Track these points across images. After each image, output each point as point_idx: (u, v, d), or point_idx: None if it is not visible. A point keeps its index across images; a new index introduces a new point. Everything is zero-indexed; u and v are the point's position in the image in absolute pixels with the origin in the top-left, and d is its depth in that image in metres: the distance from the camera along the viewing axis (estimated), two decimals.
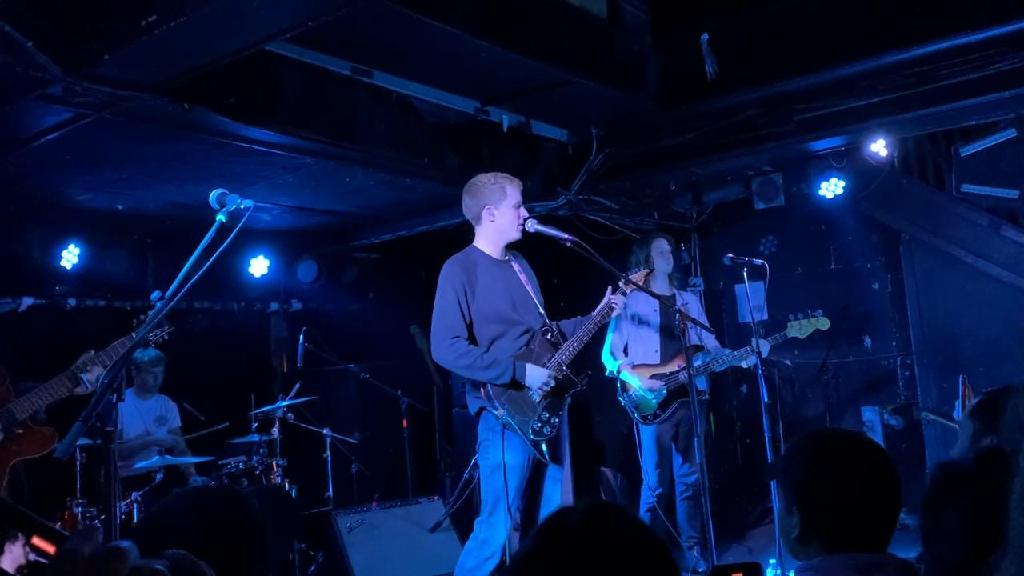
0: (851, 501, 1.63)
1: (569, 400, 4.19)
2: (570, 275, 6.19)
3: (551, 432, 4.04)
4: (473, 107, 5.23)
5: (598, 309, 4.25)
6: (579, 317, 4.37)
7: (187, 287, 2.47)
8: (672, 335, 5.49)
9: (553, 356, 4.11)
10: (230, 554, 1.55)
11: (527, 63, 4.63)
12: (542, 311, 4.22)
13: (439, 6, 3.99)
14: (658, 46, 5.43)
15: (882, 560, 1.56)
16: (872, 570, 1.56)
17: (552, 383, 4.01)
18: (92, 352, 4.12)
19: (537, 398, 3.99)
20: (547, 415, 4.02)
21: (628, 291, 4.33)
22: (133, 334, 4.11)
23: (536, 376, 3.98)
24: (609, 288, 4.31)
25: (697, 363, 5.26)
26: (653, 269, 5.36)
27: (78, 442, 4.46)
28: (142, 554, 0.96)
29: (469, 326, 4.03)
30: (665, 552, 1.13)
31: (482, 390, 3.97)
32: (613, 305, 4.23)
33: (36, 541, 0.96)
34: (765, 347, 5.07)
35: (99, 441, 3.71)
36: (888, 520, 1.61)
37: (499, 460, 3.91)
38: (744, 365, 5.36)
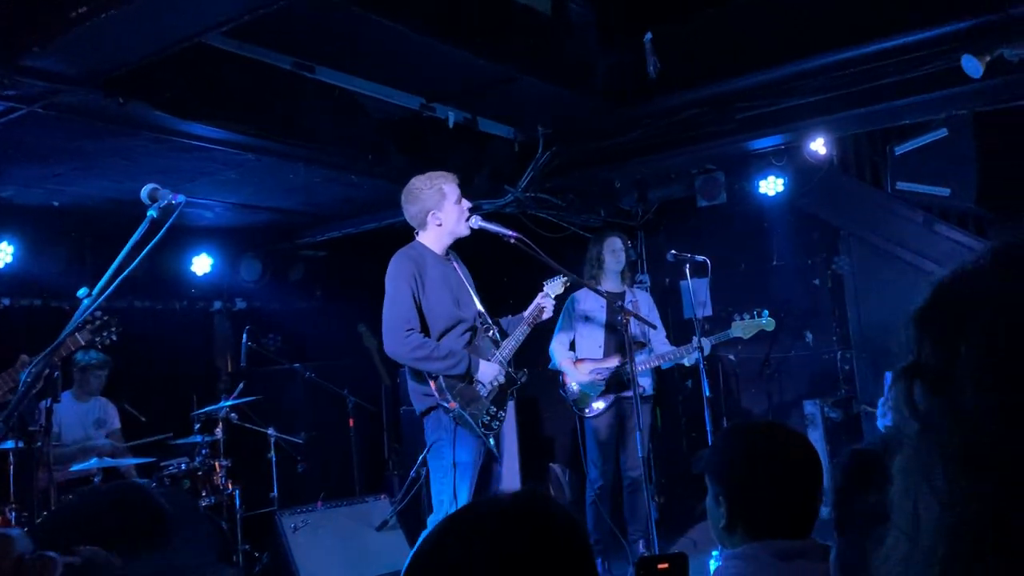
0: (773, 490, 1.67)
1: (512, 396, 4.22)
2: (518, 272, 6.20)
3: (499, 426, 4.09)
4: (418, 103, 5.21)
5: (528, 311, 4.34)
6: (513, 316, 4.45)
7: (115, 285, 2.41)
8: (616, 331, 5.55)
9: (495, 353, 4.14)
10: (137, 544, 1.53)
11: (472, 60, 4.62)
12: (481, 309, 4.25)
13: (383, 1, 3.97)
14: (603, 46, 5.48)
15: (804, 546, 1.60)
16: (794, 555, 1.60)
17: (502, 378, 4.06)
18: (25, 357, 4.01)
19: (484, 392, 4.02)
20: (494, 409, 4.07)
21: (555, 292, 4.40)
22: (76, 334, 4.02)
23: (488, 371, 4.03)
24: (540, 293, 4.39)
25: (639, 359, 5.32)
26: (600, 271, 5.46)
27: (6, 444, 4.37)
28: (51, 549, 0.94)
29: (421, 320, 4.02)
30: (579, 539, 1.12)
31: (433, 383, 3.95)
32: (543, 306, 4.31)
33: None
34: (707, 345, 5.16)
35: (21, 443, 3.61)
36: (810, 508, 1.65)
37: (451, 459, 3.90)
38: (686, 363, 5.43)
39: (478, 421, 3.97)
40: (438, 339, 4.03)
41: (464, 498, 3.92)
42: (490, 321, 4.27)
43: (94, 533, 1.37)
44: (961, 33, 4.42)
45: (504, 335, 4.31)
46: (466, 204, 4.18)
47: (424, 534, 3.86)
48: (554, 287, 4.46)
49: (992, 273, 0.68)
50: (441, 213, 4.12)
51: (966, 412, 0.64)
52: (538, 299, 4.37)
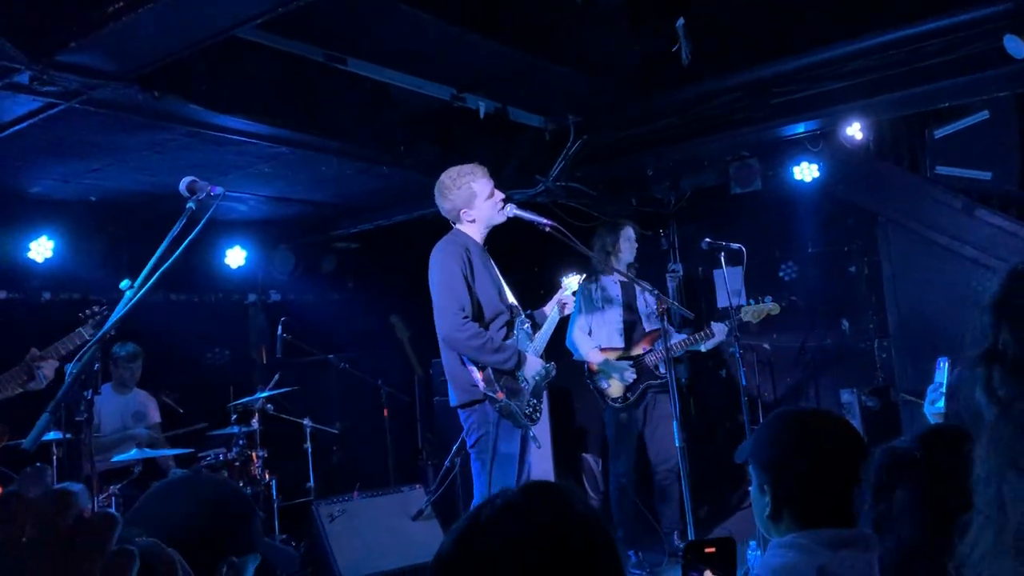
0: (819, 477, 1.64)
1: (545, 387, 4.24)
2: (550, 262, 6.18)
3: (539, 416, 4.12)
4: (449, 94, 5.19)
5: (550, 306, 4.36)
6: (536, 311, 4.47)
7: (155, 277, 2.44)
8: (634, 319, 5.54)
9: (531, 346, 4.15)
10: (210, 539, 1.55)
11: (502, 49, 4.61)
12: (514, 301, 4.25)
13: None
14: (634, 32, 5.42)
15: (853, 535, 1.57)
16: (843, 544, 1.58)
17: (543, 375, 4.06)
18: (35, 351, 4.07)
19: (525, 386, 4.03)
20: (535, 400, 4.09)
21: (572, 289, 4.42)
22: (80, 329, 4.08)
23: (533, 366, 4.06)
24: (560, 290, 4.43)
25: (660, 348, 5.30)
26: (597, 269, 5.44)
27: (51, 435, 4.44)
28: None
29: (472, 306, 4.02)
30: (602, 530, 1.12)
31: (481, 374, 3.92)
32: (564, 302, 4.34)
33: None
34: (721, 330, 5.14)
35: (69, 435, 3.67)
36: (856, 495, 1.62)
37: (500, 451, 3.90)
38: (702, 348, 5.41)
39: (522, 412, 3.98)
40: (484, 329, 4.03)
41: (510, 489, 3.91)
42: (523, 314, 4.27)
43: (162, 527, 1.42)
44: (1004, 13, 4.31)
45: (536, 328, 4.31)
46: (499, 196, 4.18)
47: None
48: (571, 282, 4.47)
49: None
50: (473, 211, 4.14)
51: None
52: (558, 295, 4.41)
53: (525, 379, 4.03)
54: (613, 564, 1.10)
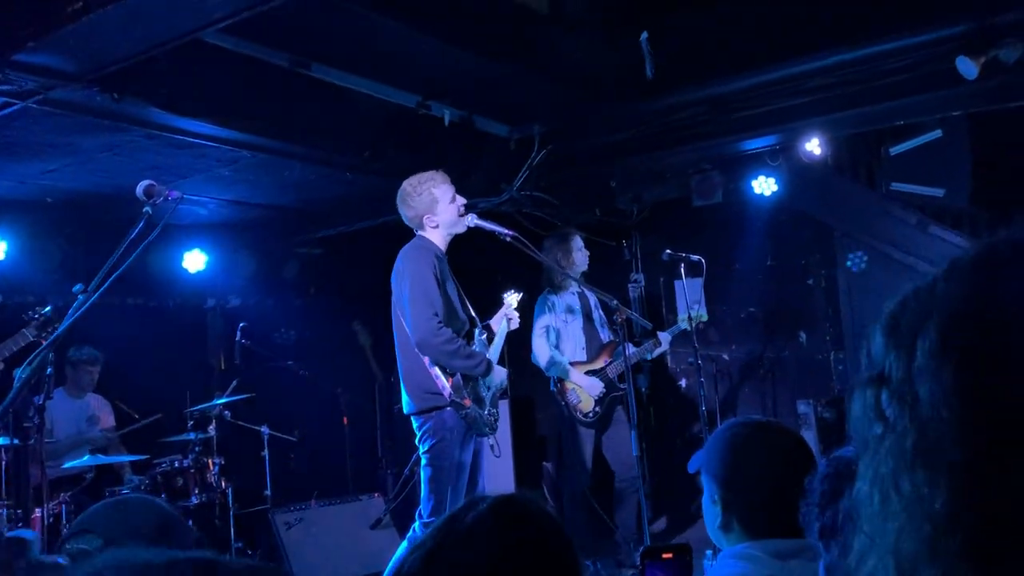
0: (768, 487, 1.67)
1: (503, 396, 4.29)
2: (512, 271, 6.19)
3: (497, 426, 4.15)
4: (415, 101, 5.20)
5: (497, 320, 4.41)
6: (486, 322, 4.47)
7: (109, 281, 2.40)
8: (594, 330, 5.59)
9: (487, 354, 4.17)
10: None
11: (468, 57, 4.62)
12: (472, 312, 4.27)
13: None
14: (600, 44, 5.47)
15: (801, 546, 1.60)
16: (792, 555, 1.60)
17: (506, 382, 4.09)
18: None
19: (486, 394, 4.05)
20: (494, 410, 4.12)
21: (515, 304, 4.47)
22: (24, 330, 4.00)
23: (498, 374, 4.10)
24: (504, 306, 4.46)
25: (619, 359, 5.34)
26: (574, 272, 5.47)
27: (1, 441, 4.35)
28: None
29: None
30: (564, 541, 1.13)
31: (450, 380, 3.92)
32: (510, 317, 4.39)
33: None
34: (665, 339, 5.23)
35: (16, 440, 3.60)
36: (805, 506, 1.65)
37: (455, 459, 3.91)
38: (648, 357, 5.50)
39: (484, 420, 4.00)
40: None
41: (460, 497, 3.91)
42: (480, 326, 4.28)
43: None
44: (957, 35, 4.43)
45: (491, 338, 4.34)
46: (460, 201, 4.19)
47: (410, 538, 3.84)
48: (512, 299, 4.52)
49: (944, 279, 0.70)
50: (436, 216, 4.14)
51: (923, 415, 0.65)
52: (503, 311, 4.43)
53: (487, 387, 4.04)
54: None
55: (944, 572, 0.63)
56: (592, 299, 5.57)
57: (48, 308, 4.13)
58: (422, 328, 3.88)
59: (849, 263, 6.43)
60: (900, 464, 0.66)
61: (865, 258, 6.36)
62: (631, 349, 5.42)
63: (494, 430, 4.10)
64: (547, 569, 1.10)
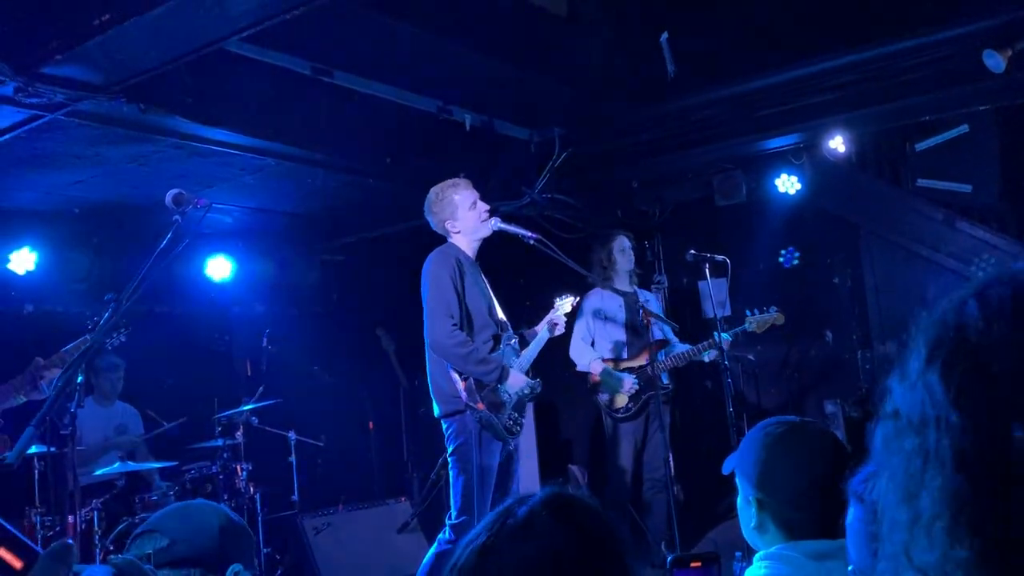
0: (804, 488, 1.65)
1: (530, 402, 4.28)
2: (537, 274, 6.19)
3: (520, 430, 4.17)
4: (435, 106, 5.21)
5: (541, 326, 4.37)
6: (528, 329, 4.51)
7: (139, 288, 2.43)
8: (636, 331, 5.54)
9: (515, 362, 4.18)
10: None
11: (488, 62, 4.64)
12: (503, 317, 4.28)
13: (399, 5, 3.98)
14: (620, 46, 5.46)
15: (837, 547, 1.58)
16: (828, 556, 1.59)
17: (527, 391, 4.08)
18: (39, 359, 4.05)
19: (507, 400, 4.04)
20: (516, 414, 4.13)
21: (564, 311, 4.44)
22: (87, 335, 4.04)
23: (516, 381, 4.09)
24: (551, 311, 4.43)
25: (662, 358, 5.32)
26: (611, 274, 5.43)
27: (34, 449, 4.40)
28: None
29: (461, 316, 4.08)
30: (617, 531, 1.13)
31: (463, 384, 3.98)
32: (556, 322, 4.35)
33: (2, 554, 0.93)
34: (726, 341, 5.15)
35: (53, 448, 3.65)
36: (843, 507, 1.63)
37: (476, 462, 3.94)
38: (705, 359, 5.42)
39: (503, 425, 4.02)
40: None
41: (486, 500, 3.92)
42: (511, 330, 4.30)
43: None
44: (983, 30, 4.38)
45: (524, 345, 4.34)
46: (483, 206, 4.22)
47: (443, 538, 3.84)
48: (564, 304, 4.48)
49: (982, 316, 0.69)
50: (458, 222, 4.21)
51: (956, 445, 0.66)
52: (550, 316, 4.42)
53: (508, 393, 4.06)
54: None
55: None
56: (643, 297, 5.56)
57: (104, 319, 4.17)
58: (436, 331, 4.00)
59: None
60: (925, 474, 0.67)
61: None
62: (682, 348, 5.42)
63: (514, 435, 4.11)
64: (604, 559, 1.10)
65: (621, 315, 5.58)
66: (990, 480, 0.64)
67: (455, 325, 3.98)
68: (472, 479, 3.94)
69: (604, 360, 5.49)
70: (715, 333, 5.05)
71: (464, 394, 3.97)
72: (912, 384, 0.72)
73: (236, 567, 1.79)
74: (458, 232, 4.22)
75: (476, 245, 4.26)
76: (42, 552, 0.93)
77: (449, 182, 4.25)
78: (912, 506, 0.68)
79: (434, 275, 4.07)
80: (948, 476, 0.66)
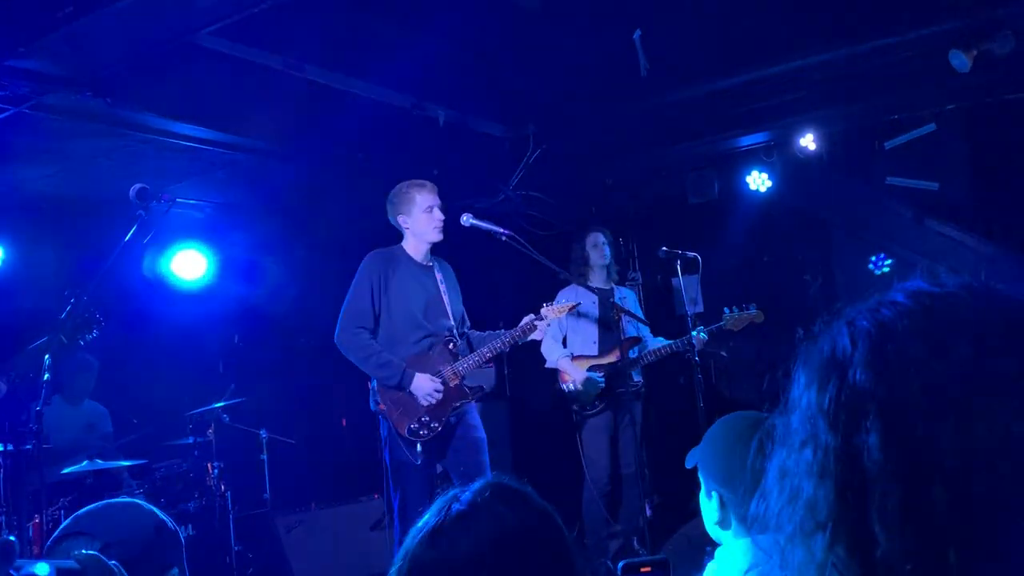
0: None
1: (466, 405, 4.25)
2: (513, 272, 6.19)
3: (427, 435, 4.11)
4: (409, 102, 5.19)
5: (518, 328, 4.36)
6: (491, 332, 4.51)
7: (101, 285, 2.40)
8: (610, 328, 5.54)
9: (450, 366, 4.18)
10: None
11: (462, 58, 4.62)
12: (452, 321, 4.28)
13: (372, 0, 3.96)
14: (592, 43, 5.46)
15: None
16: None
17: (438, 396, 4.08)
18: None
19: (422, 403, 4.09)
20: (427, 419, 4.11)
21: (547, 319, 4.39)
22: (60, 335, 3.98)
23: (423, 385, 4.09)
24: (531, 315, 4.38)
25: (634, 355, 5.32)
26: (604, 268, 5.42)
27: None
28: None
29: (376, 319, 4.17)
30: (558, 524, 1.19)
31: (370, 385, 4.18)
32: (534, 327, 4.33)
33: None
34: (701, 340, 5.17)
35: (11, 446, 3.59)
36: None
37: (392, 458, 4.09)
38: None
39: (404, 427, 4.06)
40: (389, 343, 4.15)
41: (411, 498, 3.98)
42: (456, 334, 4.32)
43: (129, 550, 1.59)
44: (949, 30, 4.44)
45: (471, 349, 4.32)
46: (439, 216, 4.21)
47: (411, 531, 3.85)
48: (552, 312, 4.43)
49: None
50: (409, 218, 4.25)
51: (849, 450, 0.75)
52: (529, 318, 4.37)
53: (418, 397, 4.07)
54: (571, 561, 1.14)
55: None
56: (619, 294, 5.54)
57: (64, 314, 4.11)
58: (338, 333, 4.18)
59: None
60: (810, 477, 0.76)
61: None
62: (657, 344, 5.42)
63: (418, 438, 4.07)
64: (546, 535, 1.16)
65: (595, 312, 5.57)
66: (853, 486, 0.72)
67: (360, 328, 4.11)
68: (392, 475, 4.08)
69: (575, 357, 5.48)
70: (692, 331, 5.08)
71: (374, 394, 4.12)
72: (795, 404, 0.82)
73: (173, 571, 1.68)
74: (407, 229, 4.26)
75: (425, 248, 4.29)
76: None
77: (416, 181, 4.29)
78: (793, 516, 0.77)
79: (356, 278, 4.21)
80: (820, 487, 0.74)
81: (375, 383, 4.12)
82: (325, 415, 6.80)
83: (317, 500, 5.78)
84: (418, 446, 4.08)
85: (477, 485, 1.19)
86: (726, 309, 5.44)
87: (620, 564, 1.36)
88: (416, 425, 4.08)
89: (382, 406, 4.08)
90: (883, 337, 0.77)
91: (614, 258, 5.72)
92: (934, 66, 4.69)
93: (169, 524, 1.76)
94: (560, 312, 4.50)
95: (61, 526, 1.70)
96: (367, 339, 4.10)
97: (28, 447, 3.60)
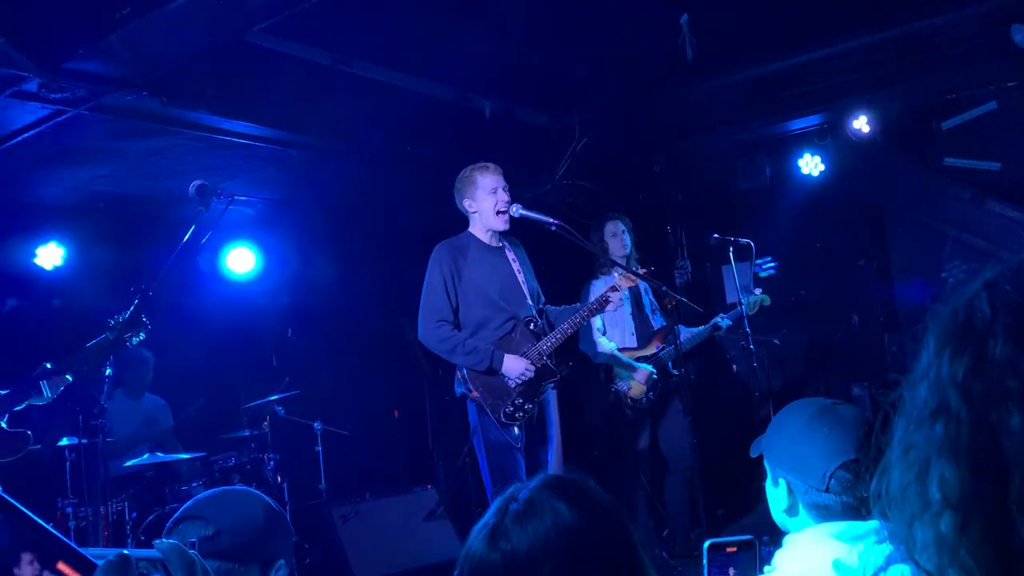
0: (835, 470, 1.63)
1: (551, 387, 4.24)
2: (562, 260, 6.16)
3: (523, 417, 4.11)
4: (454, 94, 5.21)
5: (592, 301, 4.33)
6: (567, 306, 4.44)
7: (164, 281, 2.44)
8: (643, 316, 5.49)
9: (534, 346, 4.14)
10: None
11: (507, 48, 4.61)
12: (530, 300, 4.27)
13: None
14: (639, 29, 5.41)
15: (871, 528, 1.56)
16: (859, 537, 1.57)
17: (529, 374, 4.06)
18: (47, 365, 4.05)
19: (513, 385, 4.06)
20: (520, 400, 4.09)
21: (623, 287, 4.37)
22: (107, 334, 4.07)
23: (514, 366, 4.07)
24: (611, 285, 4.38)
25: (671, 345, 5.26)
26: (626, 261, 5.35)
27: (65, 441, 4.47)
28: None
29: (455, 310, 4.15)
30: (618, 511, 1.18)
31: (458, 373, 4.12)
32: (610, 299, 4.28)
33: (61, 567, 0.93)
34: (725, 322, 5.11)
35: (84, 440, 3.68)
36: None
37: (484, 441, 4.06)
38: (722, 326, 5.36)
39: (499, 412, 4.04)
40: (474, 329, 4.12)
41: (513, 477, 3.94)
42: (535, 313, 4.27)
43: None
44: (1010, 4, 4.30)
45: (551, 327, 4.30)
46: (504, 197, 4.18)
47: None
48: (624, 280, 4.42)
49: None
50: (474, 201, 4.23)
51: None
52: (607, 292, 4.33)
53: (509, 378, 4.06)
54: (636, 554, 1.13)
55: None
56: (642, 285, 5.47)
57: (128, 312, 4.19)
58: (420, 329, 4.18)
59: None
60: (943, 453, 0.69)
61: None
62: (688, 333, 5.34)
63: (515, 420, 4.08)
64: (609, 527, 1.14)
65: (628, 302, 5.48)
66: (989, 467, 0.66)
67: (440, 321, 4.09)
68: (489, 460, 4.03)
69: (621, 350, 5.43)
70: (717, 317, 5.04)
71: (462, 382, 4.09)
72: (924, 373, 0.74)
73: (280, 563, 1.68)
74: (474, 213, 4.24)
75: (493, 232, 4.26)
76: (99, 565, 0.94)
77: (480, 164, 4.26)
78: (921, 494, 0.71)
79: (428, 272, 4.20)
80: (951, 464, 0.68)
81: (464, 371, 4.08)
82: (378, 407, 6.86)
83: (372, 490, 5.83)
84: (515, 429, 4.09)
85: (535, 482, 1.18)
86: (741, 296, 5.30)
87: (706, 543, 1.34)
88: (511, 408, 4.08)
89: (474, 393, 4.04)
90: None
91: (634, 246, 5.56)
92: (993, 42, 4.55)
93: (278, 513, 1.77)
94: (631, 280, 4.46)
95: (182, 507, 1.72)
96: (449, 331, 4.10)
97: (95, 440, 3.69)
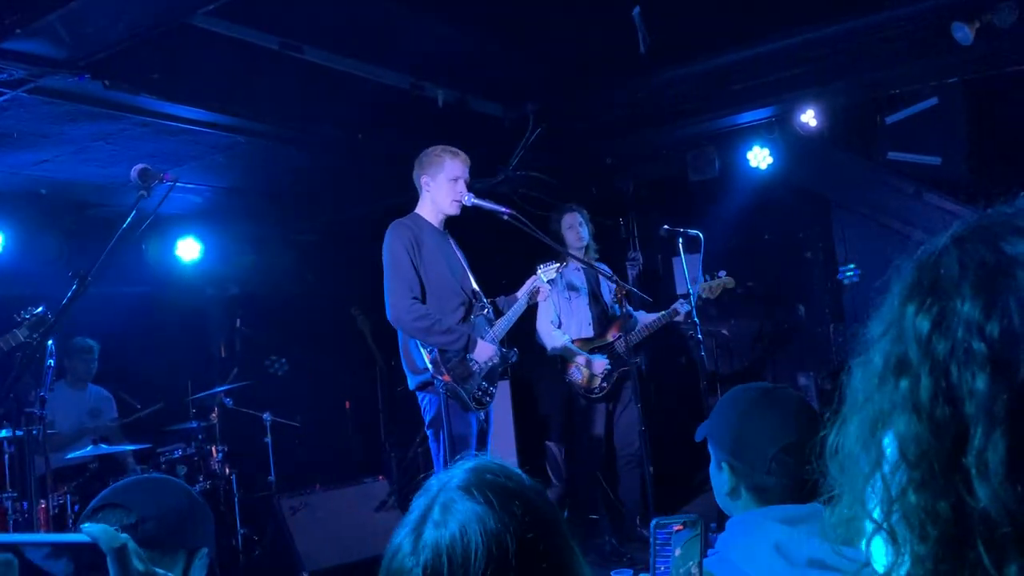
0: (776, 453, 1.66)
1: (506, 374, 4.28)
2: (512, 251, 6.17)
3: (489, 401, 4.15)
4: (408, 82, 5.16)
5: (523, 291, 4.36)
6: (507, 296, 4.47)
7: (105, 267, 2.39)
8: (600, 305, 5.54)
9: (489, 332, 4.15)
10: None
11: (460, 36, 4.59)
12: (476, 287, 4.25)
13: None
14: (591, 21, 5.42)
15: (810, 511, 1.60)
16: (800, 521, 1.60)
17: (497, 359, 4.07)
18: None
19: (476, 369, 4.05)
20: (486, 384, 4.12)
21: (548, 278, 4.39)
22: (15, 331, 3.96)
23: (484, 350, 4.06)
24: (532, 276, 4.41)
25: (628, 332, 5.31)
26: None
27: (2, 433, 4.35)
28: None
29: (421, 287, 4.06)
30: (546, 512, 1.13)
31: (428, 356, 3.99)
32: (538, 287, 4.33)
33: None
34: (684, 308, 5.17)
35: (20, 431, 3.59)
36: (814, 472, 1.64)
37: (447, 432, 3.95)
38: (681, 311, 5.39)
39: (470, 396, 4.02)
40: (435, 311, 4.05)
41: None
42: (484, 300, 4.28)
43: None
44: (952, 3, 4.41)
45: (499, 314, 4.33)
46: (462, 187, 4.17)
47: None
48: (547, 271, 4.45)
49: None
50: (432, 181, 4.18)
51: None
52: (532, 281, 4.40)
53: (475, 362, 4.04)
54: (564, 544, 1.11)
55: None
56: (601, 274, 5.51)
57: (41, 308, 4.10)
58: (395, 307, 4.00)
59: (840, 276, 6.43)
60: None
61: (858, 272, 6.38)
62: (648, 319, 5.40)
63: (482, 406, 4.10)
64: (534, 529, 1.10)
65: (585, 291, 5.54)
66: (949, 427, 0.64)
67: (415, 299, 3.98)
68: (447, 450, 3.95)
69: (574, 340, 5.46)
70: (677, 302, 5.10)
71: (430, 365, 3.97)
72: (887, 327, 0.72)
73: (204, 551, 1.65)
74: (428, 192, 4.19)
75: (441, 217, 4.24)
76: None
77: (452, 148, 4.23)
78: (878, 449, 0.69)
79: (391, 250, 4.06)
80: (911, 421, 0.67)
81: (435, 353, 3.95)
82: (329, 398, 6.80)
83: (322, 482, 5.79)
84: (482, 413, 4.10)
85: (459, 472, 1.15)
86: (700, 277, 5.36)
87: (652, 521, 1.35)
88: (479, 392, 4.07)
89: (446, 377, 3.92)
90: (1003, 270, 0.67)
91: (592, 238, 5.62)
92: (936, 39, 4.65)
93: (200, 501, 1.73)
94: (553, 272, 4.48)
95: (99, 495, 1.66)
96: (423, 307, 3.97)
97: (34, 432, 3.60)
